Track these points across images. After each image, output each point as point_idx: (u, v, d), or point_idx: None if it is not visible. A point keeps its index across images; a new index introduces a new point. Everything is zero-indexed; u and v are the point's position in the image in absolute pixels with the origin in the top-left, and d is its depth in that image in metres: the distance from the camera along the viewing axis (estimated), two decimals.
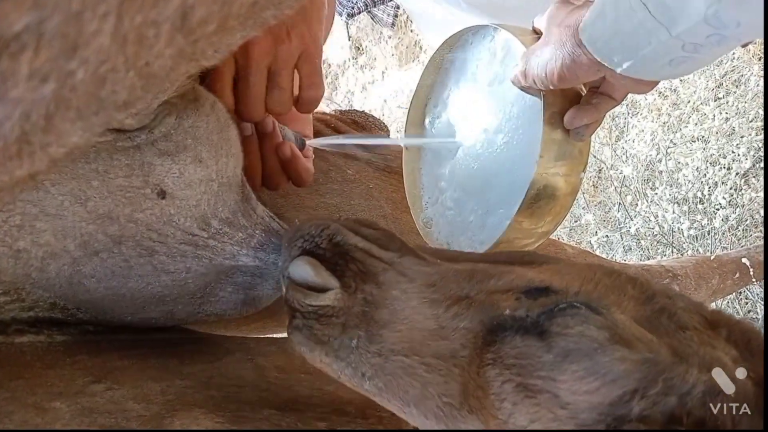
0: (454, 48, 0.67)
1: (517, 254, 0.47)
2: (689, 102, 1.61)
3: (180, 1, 0.22)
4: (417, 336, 0.38)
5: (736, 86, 1.54)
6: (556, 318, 0.34)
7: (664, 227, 1.57)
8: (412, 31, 2.33)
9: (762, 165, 1.43)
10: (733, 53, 1.53)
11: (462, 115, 0.67)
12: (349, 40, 2.57)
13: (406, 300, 0.40)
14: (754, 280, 1.21)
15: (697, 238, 1.51)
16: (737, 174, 1.47)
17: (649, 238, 1.60)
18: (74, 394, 0.41)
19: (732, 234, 1.46)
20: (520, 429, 0.33)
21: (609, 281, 0.38)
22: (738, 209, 1.45)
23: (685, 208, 1.54)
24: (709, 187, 1.51)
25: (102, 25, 0.20)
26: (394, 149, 0.80)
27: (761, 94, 1.48)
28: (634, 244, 1.62)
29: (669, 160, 1.60)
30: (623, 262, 1.48)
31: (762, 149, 1.44)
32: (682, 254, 1.50)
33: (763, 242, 1.34)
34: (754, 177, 1.46)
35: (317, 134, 0.73)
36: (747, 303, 1.42)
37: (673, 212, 1.55)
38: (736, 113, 1.51)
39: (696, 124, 1.58)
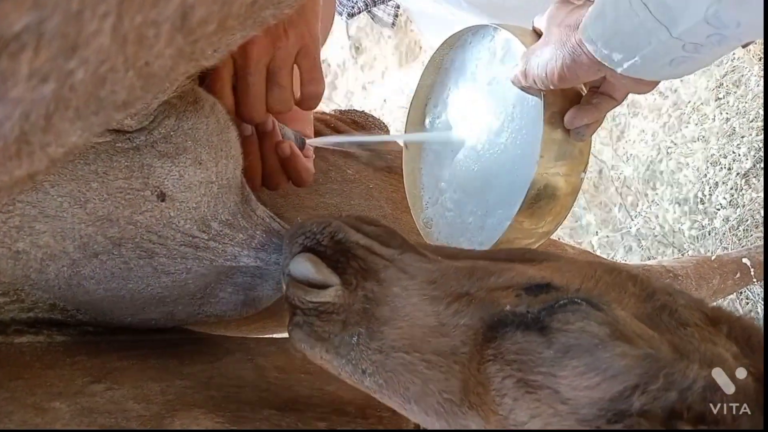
0: (454, 48, 0.67)
1: (518, 251, 0.47)
2: (690, 102, 1.61)
3: (180, 1, 0.22)
4: (418, 333, 0.38)
5: (737, 86, 1.54)
6: (557, 314, 0.34)
7: (664, 227, 1.57)
8: (412, 31, 2.33)
9: (762, 165, 1.43)
10: (734, 53, 1.53)
11: (462, 115, 0.67)
12: (349, 39, 2.56)
13: (406, 297, 0.40)
14: (754, 280, 1.21)
15: (697, 238, 1.51)
16: (738, 174, 1.47)
17: (649, 238, 1.59)
18: (74, 394, 0.41)
19: (733, 234, 1.46)
20: (520, 424, 0.33)
21: (610, 278, 0.38)
22: (739, 209, 1.45)
23: (686, 208, 1.54)
24: (710, 188, 1.51)
25: (102, 24, 0.20)
26: (394, 149, 0.80)
27: (762, 95, 1.47)
28: (635, 244, 1.62)
29: (670, 160, 1.59)
30: (624, 262, 1.48)
31: (762, 149, 1.44)
32: (682, 254, 1.50)
33: (763, 242, 1.34)
34: (754, 177, 1.46)
35: (317, 134, 0.73)
36: (748, 303, 1.41)
37: (674, 212, 1.55)
38: (737, 113, 1.51)
39: (696, 124, 1.58)
